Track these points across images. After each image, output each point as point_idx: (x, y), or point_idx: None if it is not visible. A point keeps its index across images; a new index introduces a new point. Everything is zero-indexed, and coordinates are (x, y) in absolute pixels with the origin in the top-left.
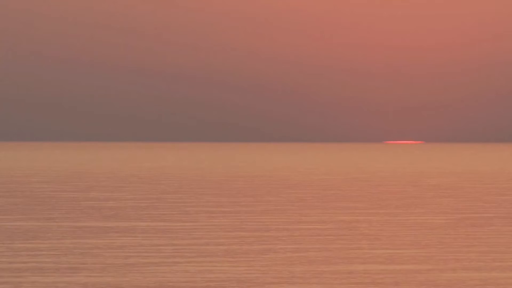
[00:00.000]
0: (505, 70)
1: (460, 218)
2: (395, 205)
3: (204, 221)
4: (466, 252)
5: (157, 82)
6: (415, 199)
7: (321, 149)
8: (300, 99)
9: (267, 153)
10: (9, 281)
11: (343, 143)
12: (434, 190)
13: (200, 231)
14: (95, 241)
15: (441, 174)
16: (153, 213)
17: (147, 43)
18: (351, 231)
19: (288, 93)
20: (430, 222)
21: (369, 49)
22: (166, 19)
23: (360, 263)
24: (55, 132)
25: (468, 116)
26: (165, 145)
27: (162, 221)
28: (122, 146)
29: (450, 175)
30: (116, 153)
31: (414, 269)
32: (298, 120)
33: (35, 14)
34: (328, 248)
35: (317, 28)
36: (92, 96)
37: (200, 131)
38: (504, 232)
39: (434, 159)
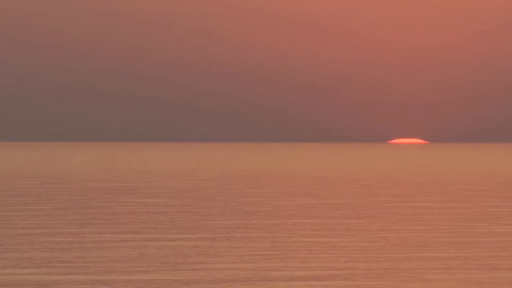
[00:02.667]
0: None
1: None
2: None
3: None
4: None
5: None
6: None
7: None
8: (302, 100)
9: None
10: None
11: (345, 144)
12: None
13: None
14: None
15: None
16: None
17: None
18: None
19: (291, 94)
20: None
21: (372, 50)
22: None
23: None
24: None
25: (472, 116)
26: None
27: None
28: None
29: None
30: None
31: None
32: (298, 120)
33: (35, 13)
34: None
35: (320, 30)
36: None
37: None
38: None
39: None
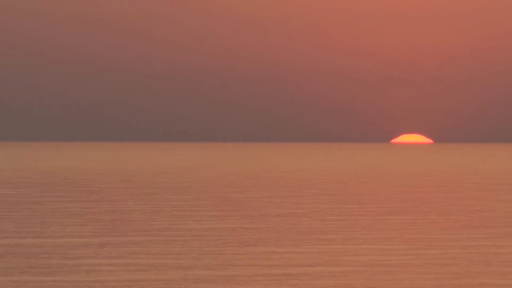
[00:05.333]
0: None
1: None
2: None
3: None
4: None
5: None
6: None
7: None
8: (304, 100)
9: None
10: None
11: (347, 144)
12: None
13: None
14: None
15: None
16: None
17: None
18: None
19: (293, 95)
20: None
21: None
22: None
23: None
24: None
25: (475, 116)
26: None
27: None
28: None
29: None
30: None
31: None
32: (300, 121)
33: (33, 14)
34: None
35: (324, 31)
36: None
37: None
38: None
39: None
